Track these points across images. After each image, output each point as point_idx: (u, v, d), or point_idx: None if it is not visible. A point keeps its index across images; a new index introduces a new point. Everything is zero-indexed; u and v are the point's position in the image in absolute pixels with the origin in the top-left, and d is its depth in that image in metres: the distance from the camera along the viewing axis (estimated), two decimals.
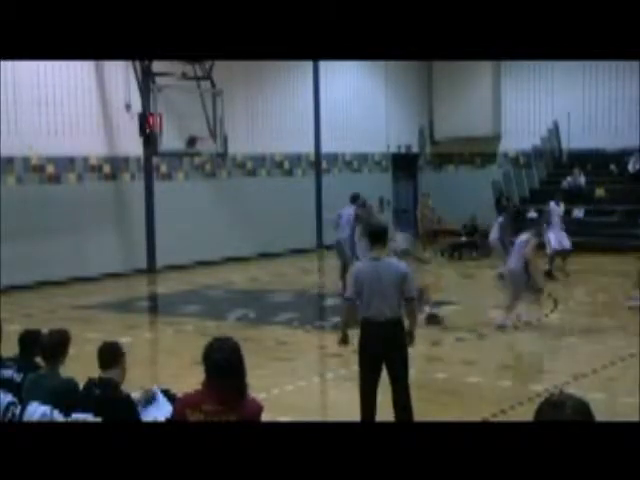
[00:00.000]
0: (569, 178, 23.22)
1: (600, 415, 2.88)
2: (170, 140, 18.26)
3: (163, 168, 20.38)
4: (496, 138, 26.69)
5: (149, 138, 17.82)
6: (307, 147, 24.15)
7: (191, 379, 5.04)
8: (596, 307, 14.98)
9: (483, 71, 25.75)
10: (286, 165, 23.65)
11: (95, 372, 5.37)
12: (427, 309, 12.64)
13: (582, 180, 23.10)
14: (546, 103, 25.63)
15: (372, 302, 7.00)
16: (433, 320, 12.57)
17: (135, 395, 5.54)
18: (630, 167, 23.43)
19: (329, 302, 15.54)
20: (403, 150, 27.19)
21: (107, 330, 12.36)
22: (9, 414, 5.65)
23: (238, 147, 21.18)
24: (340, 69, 24.53)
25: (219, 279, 18.76)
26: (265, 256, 22.31)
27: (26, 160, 17.71)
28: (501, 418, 7.97)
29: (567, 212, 18.29)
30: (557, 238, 17.10)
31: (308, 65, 23.75)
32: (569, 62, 23.87)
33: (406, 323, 7.24)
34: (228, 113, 19.59)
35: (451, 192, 25.62)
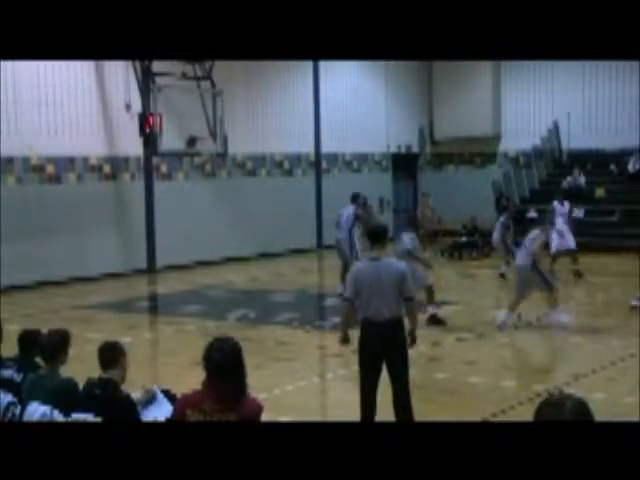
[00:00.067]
0: (569, 178, 23.22)
1: (600, 415, 2.88)
2: (170, 140, 18.26)
3: (163, 168, 20.38)
4: (496, 138, 26.69)
5: (149, 138, 17.82)
6: (307, 147, 24.15)
7: (191, 379, 5.04)
8: (596, 307, 14.98)
9: (483, 71, 25.75)
10: (286, 165, 23.65)
11: (95, 372, 5.37)
12: (430, 309, 12.65)
13: (582, 180, 23.10)
14: (546, 103, 25.63)
15: (371, 302, 7.00)
16: (435, 321, 12.57)
17: (135, 395, 5.54)
18: (630, 167, 23.43)
19: (329, 302, 15.54)
20: (403, 150, 27.19)
21: (107, 330, 12.36)
22: (9, 414, 5.65)
23: (238, 147, 21.18)
24: (340, 69, 24.53)
25: (219, 279, 18.76)
26: (265, 256, 22.31)
27: (26, 160, 17.71)
28: (501, 418, 7.97)
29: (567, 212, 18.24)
30: (560, 238, 17.09)
31: (308, 65, 23.74)
32: (569, 62, 23.87)
33: (407, 323, 7.24)
34: (228, 113, 19.59)
35: (451, 192, 25.62)
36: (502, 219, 17.85)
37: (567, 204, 17.92)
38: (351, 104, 25.10)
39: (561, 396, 2.85)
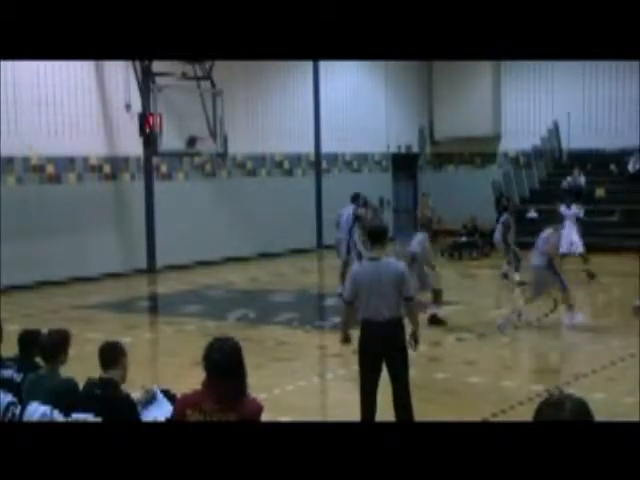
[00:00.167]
0: (569, 178, 23.22)
1: (600, 415, 2.88)
2: (170, 140, 18.26)
3: (163, 168, 20.39)
4: (496, 138, 26.69)
5: (149, 138, 17.83)
6: (307, 147, 24.15)
7: (191, 379, 5.04)
8: (596, 307, 14.98)
9: (483, 71, 25.75)
10: (286, 165, 23.65)
11: (95, 372, 5.37)
12: (431, 309, 12.65)
13: (582, 180, 23.10)
14: (546, 103, 25.64)
15: (371, 302, 7.00)
16: (435, 320, 12.56)
17: (135, 395, 5.54)
18: (630, 167, 23.44)
19: (329, 302, 15.54)
20: (403, 150, 27.20)
21: (107, 330, 12.36)
22: (9, 414, 5.65)
23: (238, 147, 21.19)
24: (340, 69, 24.53)
25: (219, 279, 18.76)
26: (265, 256, 22.31)
27: (26, 160, 17.71)
28: (501, 418, 7.97)
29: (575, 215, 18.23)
30: (567, 241, 17.07)
31: (308, 65, 23.75)
32: (569, 62, 23.87)
33: (408, 324, 7.25)
34: (228, 113, 19.59)
35: (451, 192, 25.63)
36: (503, 219, 17.85)
37: (574, 207, 17.87)
38: (351, 104, 25.10)
39: (561, 396, 2.85)
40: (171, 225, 19.98)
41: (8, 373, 5.98)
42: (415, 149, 27.76)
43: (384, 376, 7.17)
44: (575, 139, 24.99)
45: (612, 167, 23.99)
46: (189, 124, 18.86)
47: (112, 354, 5.37)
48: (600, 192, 23.29)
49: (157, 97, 17.99)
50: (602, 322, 12.72)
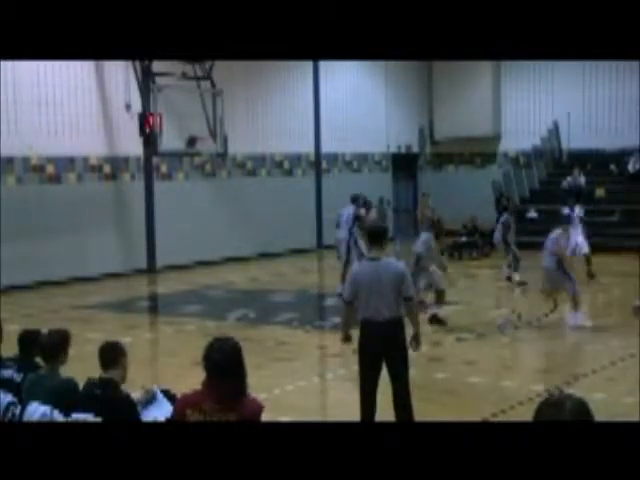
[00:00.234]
0: (569, 178, 23.21)
1: (600, 415, 2.88)
2: (170, 140, 18.27)
3: (163, 168, 20.39)
4: (496, 138, 26.69)
5: (149, 138, 17.83)
6: (307, 147, 24.16)
7: (191, 379, 5.04)
8: (596, 307, 14.98)
9: (483, 71, 25.75)
10: (286, 165, 23.65)
11: (95, 372, 5.37)
12: (434, 309, 12.60)
13: (582, 180, 23.10)
14: (546, 103, 25.64)
15: (371, 302, 7.00)
16: (435, 320, 12.54)
17: (135, 395, 5.54)
18: (630, 167, 23.44)
19: (329, 302, 15.54)
20: (403, 150, 27.20)
21: (107, 330, 12.36)
22: (9, 414, 5.65)
23: (238, 147, 21.19)
24: (340, 69, 24.53)
25: (219, 279, 18.76)
26: (265, 256, 22.31)
27: (26, 160, 17.71)
28: (501, 418, 7.97)
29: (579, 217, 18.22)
30: (571, 243, 17.05)
31: (308, 65, 23.75)
32: (569, 62, 23.87)
33: (407, 323, 7.25)
34: (228, 113, 19.59)
35: (451, 192, 25.63)
36: (503, 219, 17.84)
37: (578, 209, 17.84)
38: (351, 104, 25.10)
39: (561, 396, 2.85)
40: (171, 225, 19.98)
41: (8, 373, 5.98)
42: (415, 149, 27.77)
43: (384, 376, 7.17)
44: (575, 139, 24.99)
45: (612, 167, 23.99)
46: (189, 124, 18.86)
47: (112, 354, 5.37)
48: (600, 192, 23.29)
49: (157, 97, 17.99)
50: (602, 322, 12.71)
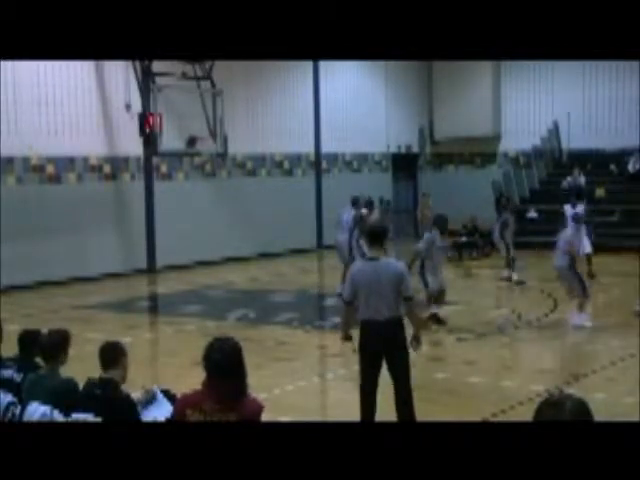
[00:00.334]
0: (569, 178, 23.22)
1: (600, 415, 2.88)
2: (170, 140, 18.27)
3: (163, 168, 20.39)
4: (496, 138, 26.70)
5: (149, 138, 17.83)
6: (307, 147, 24.16)
7: (191, 379, 5.04)
8: (596, 307, 14.97)
9: (483, 71, 25.76)
10: (286, 165, 23.65)
11: (95, 372, 5.37)
12: (434, 308, 12.53)
13: (582, 180, 23.11)
14: (546, 103, 25.64)
15: (370, 302, 7.00)
16: (435, 320, 12.51)
17: (135, 395, 5.54)
18: (630, 167, 23.44)
19: (329, 302, 15.54)
20: (403, 150, 27.20)
21: (107, 330, 12.36)
22: (9, 414, 5.65)
23: (238, 147, 21.19)
24: (340, 69, 24.53)
25: (219, 279, 18.76)
26: (265, 256, 22.31)
27: (26, 160, 17.71)
28: (501, 418, 7.97)
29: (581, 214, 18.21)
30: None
31: (308, 65, 23.75)
32: (569, 62, 23.87)
33: (408, 323, 7.24)
34: (228, 113, 19.59)
35: (451, 192, 25.62)
36: (502, 218, 17.82)
37: (580, 206, 17.80)
38: (351, 104, 25.10)
39: (561, 396, 2.85)
40: (171, 225, 19.98)
41: (8, 373, 5.98)
42: (415, 149, 27.77)
43: (385, 376, 7.17)
44: (575, 139, 25.00)
45: (612, 167, 23.99)
46: (189, 124, 18.86)
47: (112, 354, 5.37)
48: (600, 192, 23.29)
49: (157, 97, 17.99)
50: (602, 322, 12.71)
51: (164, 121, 17.92)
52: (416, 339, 7.30)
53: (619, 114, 24.39)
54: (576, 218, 13.11)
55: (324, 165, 24.66)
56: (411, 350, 7.27)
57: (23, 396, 5.64)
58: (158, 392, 5.87)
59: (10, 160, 17.36)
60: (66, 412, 5.20)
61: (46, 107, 17.97)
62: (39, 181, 18.00)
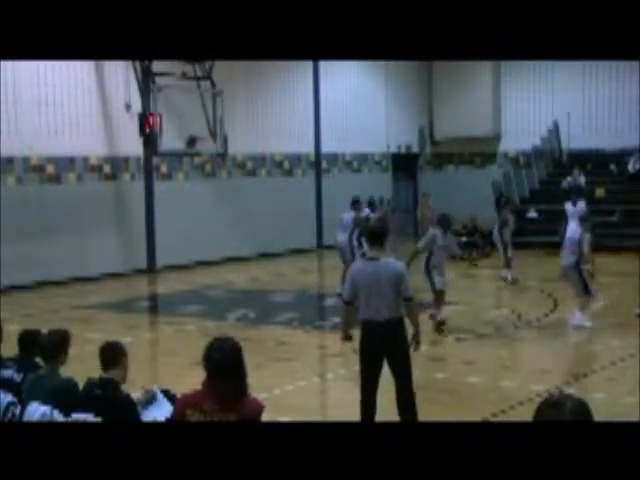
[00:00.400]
0: (569, 178, 23.23)
1: (600, 415, 2.88)
2: (170, 140, 18.27)
3: (163, 168, 20.39)
4: (496, 138, 26.70)
5: (149, 138, 17.83)
6: (307, 147, 24.16)
7: (191, 379, 5.04)
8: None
9: (483, 71, 25.75)
10: (286, 165, 23.65)
11: (95, 372, 5.37)
12: (438, 315, 12.24)
13: (582, 180, 23.11)
14: (546, 103, 25.64)
15: (370, 302, 7.00)
16: (440, 329, 12.17)
17: (135, 395, 5.54)
18: (630, 167, 23.44)
19: (329, 302, 15.53)
20: (403, 150, 27.20)
21: (107, 330, 12.36)
22: (9, 414, 5.65)
23: (238, 147, 21.19)
24: (340, 69, 24.53)
25: (219, 279, 18.76)
26: (265, 256, 22.31)
27: (26, 160, 17.71)
28: (501, 418, 7.97)
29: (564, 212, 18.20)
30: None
31: (308, 65, 23.75)
32: (569, 62, 23.87)
33: (408, 323, 7.24)
34: (228, 113, 19.59)
35: (451, 192, 25.62)
36: (502, 217, 17.79)
37: (581, 204, 17.78)
38: (351, 104, 25.10)
39: (561, 396, 2.85)
40: (171, 225, 19.98)
41: (8, 373, 5.98)
42: (415, 149, 27.76)
43: (386, 376, 7.17)
44: (575, 139, 24.99)
45: (612, 167, 23.99)
46: (189, 124, 18.86)
47: (113, 354, 5.37)
48: (600, 192, 23.29)
49: (157, 97, 17.99)
50: (602, 322, 12.71)
51: (164, 121, 17.92)
52: (416, 339, 7.30)
53: (619, 114, 24.39)
54: (583, 218, 13.08)
55: (324, 165, 24.66)
56: (411, 350, 7.27)
57: (23, 396, 5.64)
58: (158, 392, 5.87)
59: (10, 160, 17.36)
60: (66, 412, 5.20)
61: (46, 107, 17.97)
62: (39, 181, 18.00)
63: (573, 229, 16.10)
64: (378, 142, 26.09)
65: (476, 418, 7.69)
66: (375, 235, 7.34)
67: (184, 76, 18.71)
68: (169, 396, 5.83)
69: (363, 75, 25.44)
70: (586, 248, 12.27)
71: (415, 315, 7.31)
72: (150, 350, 12.58)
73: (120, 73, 18.95)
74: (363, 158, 25.95)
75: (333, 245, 17.26)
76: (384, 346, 7.05)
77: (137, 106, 18.43)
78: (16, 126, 17.39)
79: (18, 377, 5.92)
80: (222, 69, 19.34)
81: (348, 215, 15.77)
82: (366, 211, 16.56)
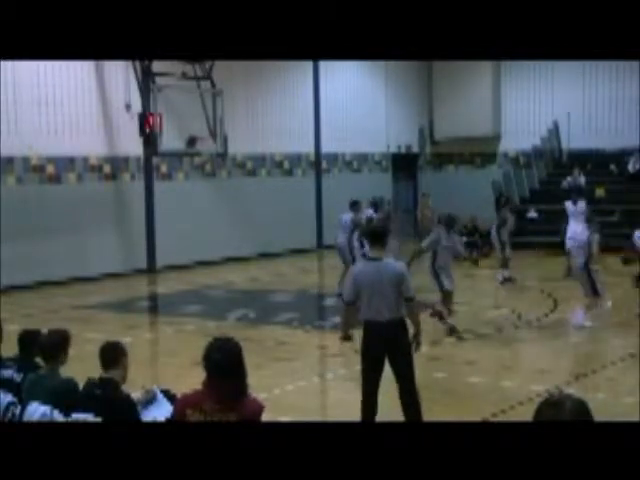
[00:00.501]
0: (569, 178, 23.21)
1: (600, 415, 2.88)
2: (170, 140, 18.26)
3: (163, 168, 20.39)
4: (496, 138, 26.69)
5: (149, 138, 17.82)
6: (307, 147, 24.15)
7: (191, 379, 5.04)
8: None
9: (483, 71, 25.75)
10: (286, 165, 23.65)
11: (95, 372, 5.37)
12: (450, 320, 11.97)
13: (582, 180, 23.11)
14: (546, 103, 25.63)
15: (372, 302, 7.00)
16: (453, 333, 11.92)
17: (135, 395, 5.54)
18: (630, 167, 23.43)
19: (329, 302, 15.53)
20: (403, 150, 27.19)
21: (107, 330, 12.36)
22: (9, 414, 5.65)
23: (238, 147, 21.18)
24: (340, 69, 24.53)
25: (219, 279, 18.76)
26: (265, 256, 22.31)
27: (26, 160, 17.71)
28: (501, 418, 7.97)
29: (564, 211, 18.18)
30: (570, 236, 17.02)
31: (308, 65, 23.75)
32: (569, 62, 23.87)
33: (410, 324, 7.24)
34: (228, 113, 19.59)
35: (451, 192, 25.61)
36: (500, 216, 17.75)
37: (581, 203, 17.76)
38: (351, 104, 25.10)
39: (561, 396, 2.85)
40: (171, 225, 19.98)
41: (8, 373, 5.98)
42: (415, 149, 27.76)
43: (387, 376, 7.17)
44: (575, 139, 24.99)
45: (612, 167, 23.99)
46: (189, 124, 18.86)
47: (113, 354, 5.37)
48: (600, 192, 23.29)
49: (157, 97, 17.99)
50: (602, 322, 12.71)
51: (164, 121, 17.91)
52: (416, 340, 7.30)
53: (619, 114, 24.39)
54: (590, 219, 13.12)
55: (324, 165, 24.66)
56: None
57: (23, 396, 5.64)
58: (158, 392, 5.87)
59: (10, 160, 17.35)
60: (66, 412, 5.20)
61: (46, 107, 17.97)
62: (39, 181, 18.00)
63: (575, 229, 16.13)
64: (378, 142, 26.08)
65: (476, 418, 7.69)
66: (376, 235, 7.34)
67: (184, 76, 18.71)
68: (169, 396, 5.83)
69: (363, 75, 25.43)
70: (595, 249, 12.30)
71: (416, 315, 7.30)
72: (150, 350, 12.58)
73: (120, 73, 18.95)
74: (363, 158, 25.94)
75: (333, 245, 17.23)
76: (386, 346, 7.05)
77: (137, 106, 18.43)
78: (16, 126, 17.39)
79: (18, 377, 5.92)
80: (222, 69, 19.34)
81: (347, 216, 15.73)
82: (369, 211, 16.53)
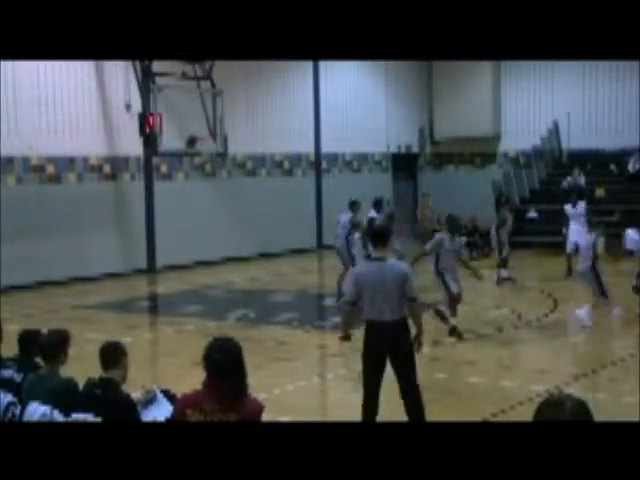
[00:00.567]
0: (569, 178, 23.20)
1: (600, 415, 2.88)
2: (170, 140, 18.26)
3: (163, 168, 20.38)
4: (496, 138, 26.68)
5: (149, 138, 17.82)
6: (307, 147, 24.15)
7: (191, 379, 5.04)
8: (596, 307, 14.95)
9: (483, 71, 25.74)
10: (286, 165, 23.65)
11: (95, 372, 5.37)
12: (452, 321, 11.85)
13: (582, 180, 23.10)
14: (546, 103, 25.63)
15: (375, 303, 7.00)
16: (455, 333, 11.83)
17: (135, 395, 5.54)
18: (630, 167, 23.43)
19: (329, 302, 15.52)
20: (403, 150, 27.19)
21: (107, 330, 12.36)
22: (9, 414, 5.65)
23: (238, 147, 21.18)
24: (340, 69, 24.53)
25: (219, 279, 18.76)
26: (265, 256, 22.31)
27: (26, 160, 17.71)
28: (501, 418, 7.97)
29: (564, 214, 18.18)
30: (572, 241, 17.05)
31: (308, 65, 23.74)
32: (569, 62, 23.86)
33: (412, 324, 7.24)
34: (228, 113, 19.59)
35: (451, 192, 25.60)
36: (500, 215, 17.74)
37: (581, 205, 17.76)
38: (351, 104, 25.09)
39: (561, 396, 2.85)
40: (171, 225, 19.98)
41: (8, 373, 5.98)
42: (415, 149, 27.75)
43: (388, 376, 7.16)
44: (575, 139, 24.99)
45: (612, 167, 23.98)
46: (189, 124, 18.86)
47: (113, 354, 5.37)
48: (600, 192, 23.28)
49: (157, 97, 17.99)
50: (602, 322, 12.71)
51: (164, 121, 17.91)
52: (418, 340, 7.29)
53: (619, 114, 24.38)
54: (592, 221, 13.18)
55: (324, 165, 24.66)
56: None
57: (23, 396, 5.64)
58: (158, 392, 5.87)
59: (10, 160, 17.35)
60: (66, 412, 5.20)
61: (46, 107, 17.97)
62: (39, 181, 18.00)
63: (577, 231, 16.16)
64: (378, 142, 26.08)
65: (476, 418, 7.69)
66: (379, 236, 7.34)
67: (184, 76, 18.71)
68: (169, 396, 5.83)
69: (363, 75, 25.43)
70: (600, 249, 12.36)
71: (418, 316, 7.29)
72: (150, 350, 12.58)
73: (120, 73, 18.94)
74: (363, 158, 25.94)
75: (333, 245, 17.21)
76: (387, 347, 7.05)
77: (137, 106, 18.43)
78: (16, 126, 17.39)
79: (18, 377, 5.92)
80: (222, 69, 19.33)
81: (345, 217, 15.67)
82: (371, 212, 16.49)
